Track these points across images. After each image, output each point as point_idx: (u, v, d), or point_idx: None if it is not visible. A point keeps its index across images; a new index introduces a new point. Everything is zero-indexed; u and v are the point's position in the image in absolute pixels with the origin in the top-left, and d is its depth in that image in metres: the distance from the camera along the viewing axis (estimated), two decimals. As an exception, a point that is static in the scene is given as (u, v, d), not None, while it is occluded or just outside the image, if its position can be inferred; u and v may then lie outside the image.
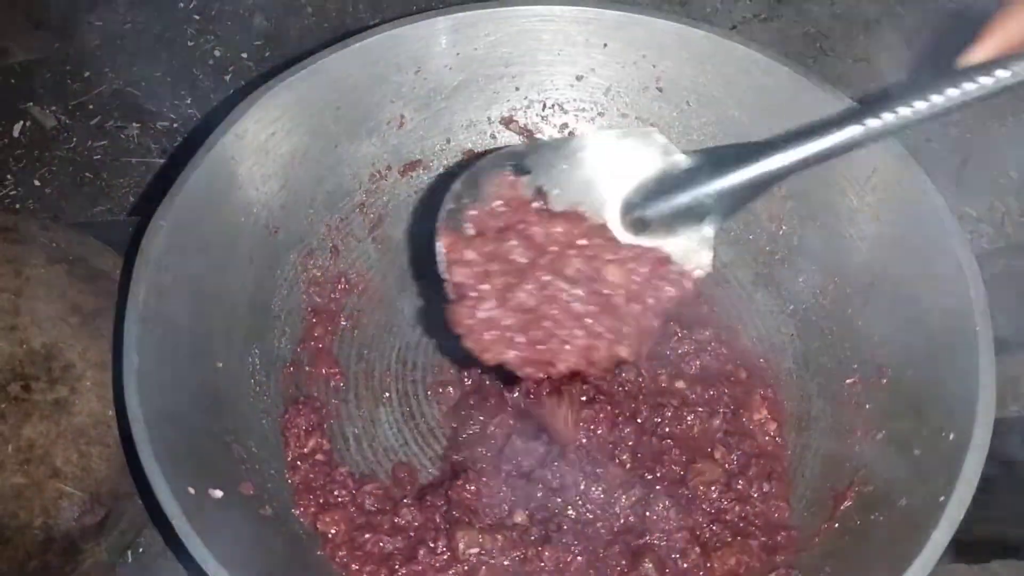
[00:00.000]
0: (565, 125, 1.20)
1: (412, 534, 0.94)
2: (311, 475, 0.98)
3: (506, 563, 0.91)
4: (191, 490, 0.82)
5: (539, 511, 0.94)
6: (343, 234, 1.14)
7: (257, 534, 0.88)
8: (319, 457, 0.99)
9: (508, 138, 1.20)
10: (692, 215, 0.85)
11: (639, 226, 0.86)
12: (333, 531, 0.93)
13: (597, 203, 0.87)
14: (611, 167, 0.88)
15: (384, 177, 1.16)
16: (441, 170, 1.18)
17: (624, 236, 0.86)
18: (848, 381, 1.01)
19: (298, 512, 0.95)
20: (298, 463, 0.99)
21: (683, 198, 0.85)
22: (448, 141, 1.18)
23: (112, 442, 0.96)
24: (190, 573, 0.90)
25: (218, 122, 1.00)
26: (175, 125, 1.63)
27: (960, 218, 1.20)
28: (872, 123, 0.76)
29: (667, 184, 0.86)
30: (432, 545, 0.91)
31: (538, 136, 1.20)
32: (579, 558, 0.91)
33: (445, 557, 0.90)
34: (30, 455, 0.92)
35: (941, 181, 0.99)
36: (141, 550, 0.99)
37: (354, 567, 0.91)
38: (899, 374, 0.96)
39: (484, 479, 0.95)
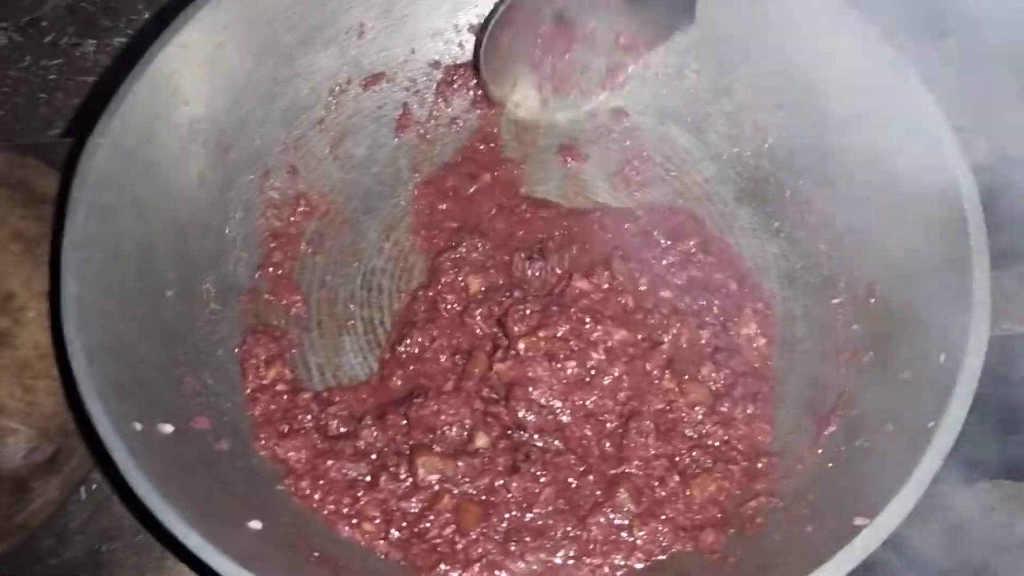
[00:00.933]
0: (538, 33, 1.12)
1: (375, 457, 0.90)
2: (272, 406, 0.93)
3: (471, 492, 0.87)
4: (138, 426, 0.78)
5: (503, 438, 0.90)
6: (301, 153, 1.07)
7: (212, 470, 0.84)
8: (280, 387, 0.95)
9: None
10: None
11: None
12: (294, 458, 0.89)
13: None
14: None
15: (344, 91, 1.08)
16: (405, 83, 1.11)
17: None
18: (834, 301, 0.97)
19: (259, 444, 0.91)
20: (258, 395, 0.94)
21: None
22: (412, 51, 1.11)
23: (59, 375, 0.91)
24: (135, 514, 0.87)
25: (161, 32, 0.93)
26: (133, 42, 1.55)
27: (955, 131, 1.14)
28: None
29: None
30: (393, 471, 0.87)
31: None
32: (548, 489, 0.87)
33: (407, 484, 0.87)
34: (-30, 391, 0.87)
35: (937, 92, 0.93)
36: (95, 487, 0.95)
37: (316, 497, 0.88)
38: (888, 293, 0.91)
39: (444, 397, 0.91)
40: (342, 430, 0.92)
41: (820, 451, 0.88)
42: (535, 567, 0.84)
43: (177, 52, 0.93)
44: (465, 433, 0.90)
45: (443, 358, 0.97)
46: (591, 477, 0.88)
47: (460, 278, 1.01)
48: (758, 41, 1.01)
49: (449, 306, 1.00)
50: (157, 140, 0.92)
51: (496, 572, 0.84)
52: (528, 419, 0.90)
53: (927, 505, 0.84)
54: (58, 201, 0.97)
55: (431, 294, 1.02)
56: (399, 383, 0.97)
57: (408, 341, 0.98)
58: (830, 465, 0.86)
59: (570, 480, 0.88)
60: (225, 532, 0.75)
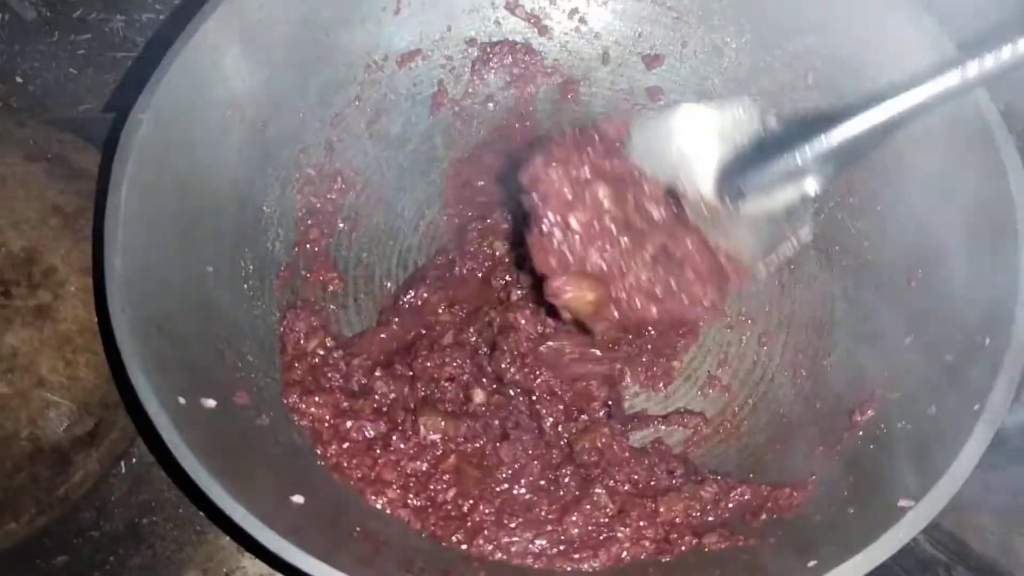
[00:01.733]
0: (575, 10, 1.12)
1: (386, 412, 0.93)
2: (304, 369, 0.95)
3: (469, 453, 0.91)
4: (182, 400, 0.78)
5: (496, 393, 0.94)
6: (338, 129, 1.07)
7: (253, 445, 0.84)
8: (320, 352, 0.96)
9: (513, 24, 1.11)
10: (790, 180, 0.79)
11: (736, 194, 0.82)
12: (317, 415, 0.91)
13: (693, 176, 0.83)
14: (706, 139, 0.83)
15: (380, 68, 1.08)
16: (441, 60, 1.10)
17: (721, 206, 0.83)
18: (875, 283, 0.96)
19: (287, 403, 0.92)
20: (295, 363, 0.95)
21: (780, 163, 0.79)
22: (449, 28, 1.10)
23: (99, 349, 0.92)
24: (181, 486, 0.87)
25: (200, 8, 0.92)
26: (161, 16, 1.54)
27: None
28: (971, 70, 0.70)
29: (763, 150, 0.81)
30: (403, 430, 0.91)
31: (546, 23, 1.11)
32: (535, 463, 0.90)
33: (415, 443, 0.90)
34: (13, 364, 0.88)
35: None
36: (134, 460, 0.95)
37: (343, 464, 0.89)
38: (930, 275, 0.90)
39: (447, 349, 0.95)
40: (363, 382, 0.95)
41: (860, 432, 0.87)
42: (527, 546, 0.86)
43: (216, 28, 0.92)
44: (461, 394, 0.94)
45: (441, 310, 1.00)
46: (569, 469, 0.90)
47: (485, 246, 1.03)
48: (801, 19, 1.00)
49: (467, 270, 1.02)
50: (197, 116, 0.92)
51: (495, 545, 0.86)
52: (510, 371, 0.94)
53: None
54: (100, 177, 0.97)
55: (452, 258, 1.03)
56: (397, 329, 0.99)
57: (412, 293, 1.01)
58: (871, 447, 0.85)
59: (552, 465, 0.91)
60: (269, 506, 0.75)
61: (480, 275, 1.03)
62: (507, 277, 1.02)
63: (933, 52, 0.90)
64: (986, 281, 0.84)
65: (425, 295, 1.01)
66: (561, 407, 0.94)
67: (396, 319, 1.00)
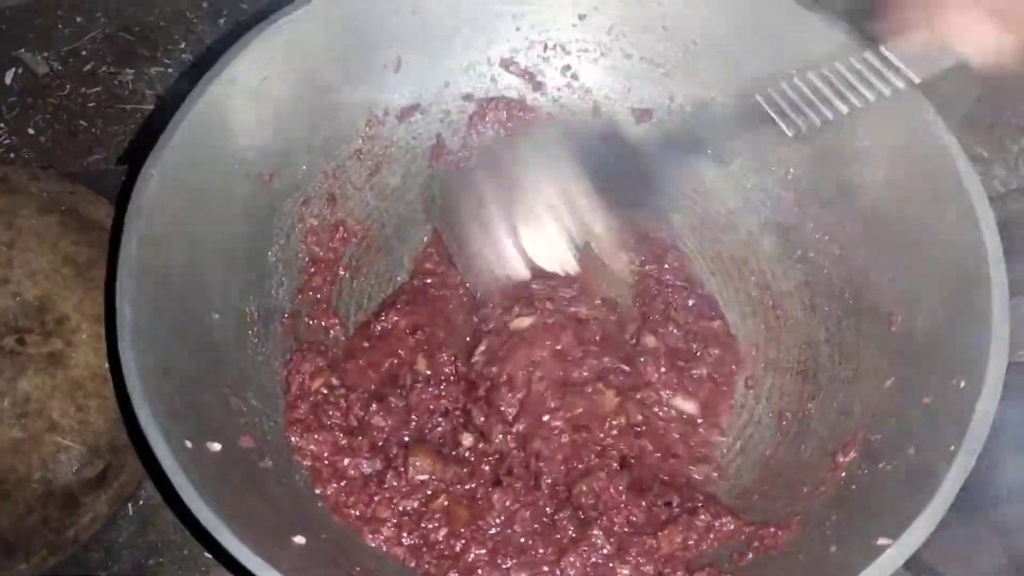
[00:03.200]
0: (568, 67, 1.16)
1: (382, 447, 0.96)
2: (308, 410, 0.98)
3: (459, 495, 0.93)
4: (188, 444, 0.81)
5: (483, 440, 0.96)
6: (340, 182, 1.11)
7: (257, 487, 0.87)
8: (323, 391, 0.99)
9: (508, 81, 1.16)
10: None
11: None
12: (316, 452, 0.94)
13: None
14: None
15: (381, 123, 1.13)
16: (439, 114, 1.15)
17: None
18: (857, 327, 0.99)
19: (288, 437, 0.96)
20: (298, 403, 0.98)
21: None
22: (446, 84, 1.15)
23: (109, 394, 0.95)
24: (188, 527, 0.90)
25: (209, 67, 0.97)
26: (170, 70, 1.59)
27: (972, 159, 1.15)
28: None
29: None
30: (396, 467, 0.93)
31: (539, 79, 1.16)
32: (526, 512, 0.91)
33: (407, 482, 0.93)
34: (26, 409, 0.91)
35: (953, 121, 0.96)
36: (142, 502, 0.98)
37: (341, 500, 0.92)
38: (909, 320, 0.94)
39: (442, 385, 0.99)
40: (361, 415, 0.98)
41: (843, 474, 0.90)
42: None
43: (224, 87, 0.97)
44: (450, 428, 0.97)
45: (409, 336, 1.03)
46: (567, 512, 0.92)
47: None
48: (782, 76, 1.04)
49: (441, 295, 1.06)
50: (205, 170, 0.96)
51: None
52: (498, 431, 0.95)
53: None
54: (113, 229, 1.01)
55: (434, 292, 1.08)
56: (373, 354, 1.03)
57: (384, 316, 1.05)
58: (853, 487, 0.88)
59: (547, 509, 0.92)
60: (272, 547, 0.78)
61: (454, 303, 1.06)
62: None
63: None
64: (961, 325, 0.87)
65: (395, 319, 1.04)
66: (561, 458, 0.95)
67: (367, 343, 1.03)
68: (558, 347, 0.98)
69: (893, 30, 0.83)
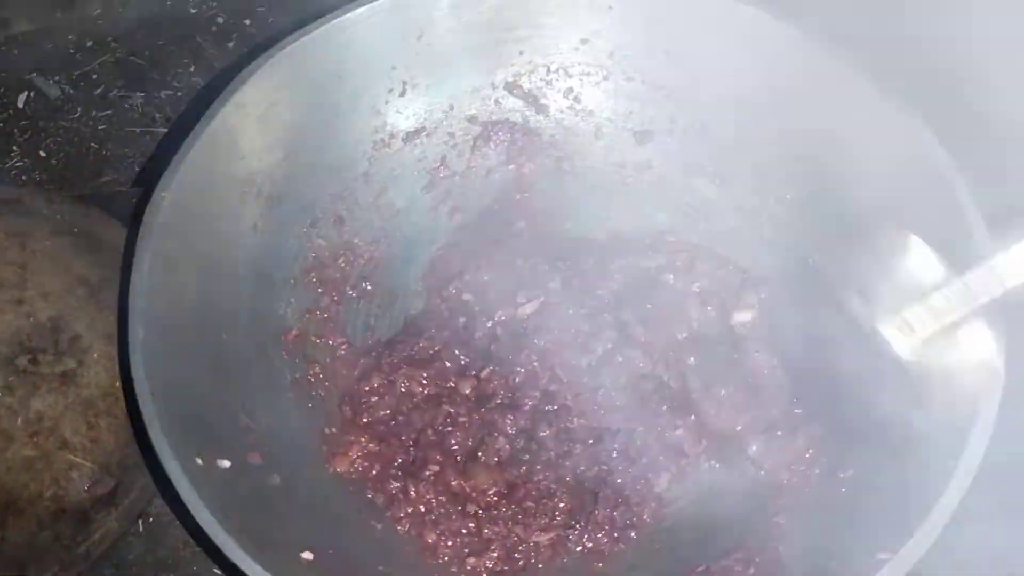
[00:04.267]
0: (570, 90, 1.18)
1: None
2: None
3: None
4: (199, 460, 0.83)
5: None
6: (347, 203, 1.13)
7: (265, 503, 0.89)
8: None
9: (512, 104, 1.18)
10: None
11: None
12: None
13: None
14: None
15: (387, 145, 1.15)
16: (444, 137, 1.17)
17: None
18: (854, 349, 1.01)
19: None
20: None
21: None
22: (452, 108, 1.17)
23: (120, 413, 0.97)
24: (198, 543, 0.91)
25: (219, 91, 0.99)
26: (179, 94, 1.62)
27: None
28: None
29: None
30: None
31: (543, 102, 1.18)
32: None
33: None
34: (39, 427, 0.93)
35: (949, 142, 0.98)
36: (152, 519, 1.00)
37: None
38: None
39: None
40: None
41: (843, 489, 0.91)
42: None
43: (234, 111, 0.99)
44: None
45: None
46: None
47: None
48: (781, 99, 1.07)
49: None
50: (215, 193, 0.99)
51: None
52: None
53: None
54: (125, 251, 1.03)
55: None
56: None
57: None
58: (853, 504, 0.89)
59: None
60: (281, 562, 0.79)
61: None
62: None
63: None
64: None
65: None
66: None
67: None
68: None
69: None
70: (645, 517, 0.97)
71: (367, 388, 1.03)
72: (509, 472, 0.97)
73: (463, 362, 1.05)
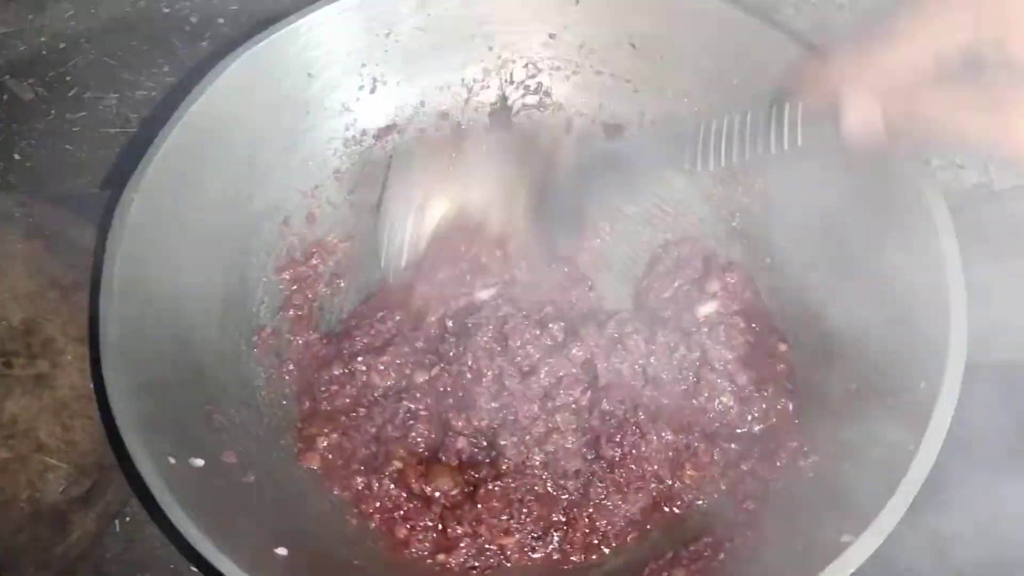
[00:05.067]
0: (540, 84, 1.19)
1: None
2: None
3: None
4: (172, 460, 0.84)
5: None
6: (319, 201, 1.14)
7: (240, 501, 0.89)
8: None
9: (483, 98, 1.19)
10: None
11: None
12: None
13: None
14: None
15: (359, 142, 1.15)
16: (415, 133, 1.18)
17: None
18: (821, 333, 1.02)
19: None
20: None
21: None
22: (422, 104, 1.17)
23: (94, 414, 0.97)
24: (174, 542, 0.92)
25: (188, 91, 1.00)
26: (153, 94, 1.61)
27: (943, 165, 1.18)
28: None
29: None
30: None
31: (512, 96, 1.19)
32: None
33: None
34: (13, 430, 0.93)
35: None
36: (128, 519, 1.00)
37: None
38: (872, 326, 0.97)
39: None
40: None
41: (811, 475, 0.93)
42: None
43: (203, 110, 0.99)
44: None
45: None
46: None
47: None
48: (745, 88, 1.08)
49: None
50: (185, 193, 0.99)
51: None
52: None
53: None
54: (95, 253, 1.04)
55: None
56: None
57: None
58: (819, 489, 0.91)
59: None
60: (255, 558, 0.80)
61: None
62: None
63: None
64: (921, 328, 0.90)
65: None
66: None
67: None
68: None
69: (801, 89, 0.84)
70: (617, 527, 0.97)
71: (327, 377, 1.03)
72: (470, 474, 0.97)
73: (419, 346, 1.05)
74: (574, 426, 0.97)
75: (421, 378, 1.02)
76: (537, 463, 0.96)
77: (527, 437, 0.97)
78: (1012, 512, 1.04)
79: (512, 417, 0.97)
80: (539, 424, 0.97)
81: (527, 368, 0.99)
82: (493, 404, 0.98)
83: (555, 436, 0.97)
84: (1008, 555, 1.10)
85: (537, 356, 0.99)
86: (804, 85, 0.82)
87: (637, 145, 1.12)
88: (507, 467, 0.96)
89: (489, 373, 0.99)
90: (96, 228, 1.10)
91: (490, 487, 0.94)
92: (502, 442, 0.96)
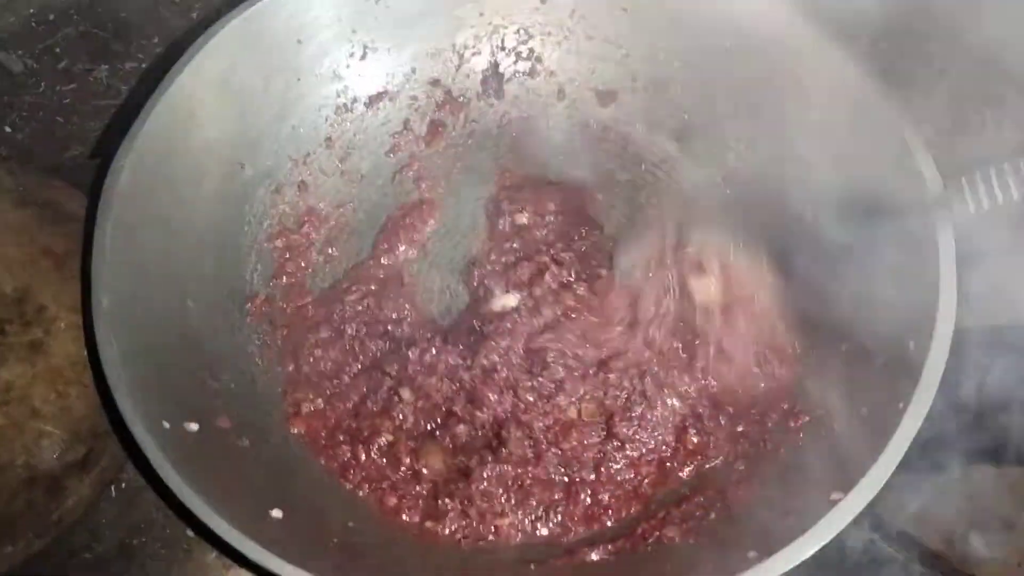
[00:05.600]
0: (531, 51, 1.19)
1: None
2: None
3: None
4: (166, 424, 0.84)
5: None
6: (311, 169, 1.13)
7: (234, 465, 0.90)
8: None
9: (474, 65, 1.19)
10: None
11: None
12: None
13: None
14: None
15: (350, 110, 1.15)
16: (407, 100, 1.17)
17: None
18: (815, 301, 1.02)
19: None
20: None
21: None
22: (413, 71, 1.17)
23: (89, 382, 0.97)
24: (169, 505, 0.92)
25: (176, 60, 0.99)
26: (143, 65, 1.60)
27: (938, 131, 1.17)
28: None
29: None
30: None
31: (503, 62, 1.19)
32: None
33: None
34: (8, 396, 0.93)
35: (914, 98, 0.99)
36: (123, 485, 1.01)
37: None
38: (863, 288, 0.97)
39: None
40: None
41: (801, 435, 0.93)
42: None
43: (193, 77, 0.99)
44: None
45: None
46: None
47: None
48: (737, 54, 1.07)
49: None
50: (176, 160, 0.99)
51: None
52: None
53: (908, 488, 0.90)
54: (86, 221, 1.04)
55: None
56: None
57: None
58: (809, 448, 0.91)
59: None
60: (250, 520, 0.80)
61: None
62: None
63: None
64: (911, 290, 0.90)
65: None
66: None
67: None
68: None
69: None
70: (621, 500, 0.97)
71: (313, 340, 1.04)
72: (461, 460, 0.97)
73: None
74: (597, 418, 0.98)
75: (426, 356, 1.01)
76: (550, 456, 0.97)
77: (538, 430, 0.97)
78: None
79: (523, 415, 0.98)
80: (549, 418, 0.98)
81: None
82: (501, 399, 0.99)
83: (574, 432, 0.97)
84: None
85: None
86: None
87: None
88: (506, 455, 0.96)
89: (504, 371, 0.99)
90: (87, 197, 1.10)
91: (486, 474, 0.94)
92: (507, 434, 0.96)
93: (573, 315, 1.01)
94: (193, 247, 1.00)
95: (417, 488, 0.96)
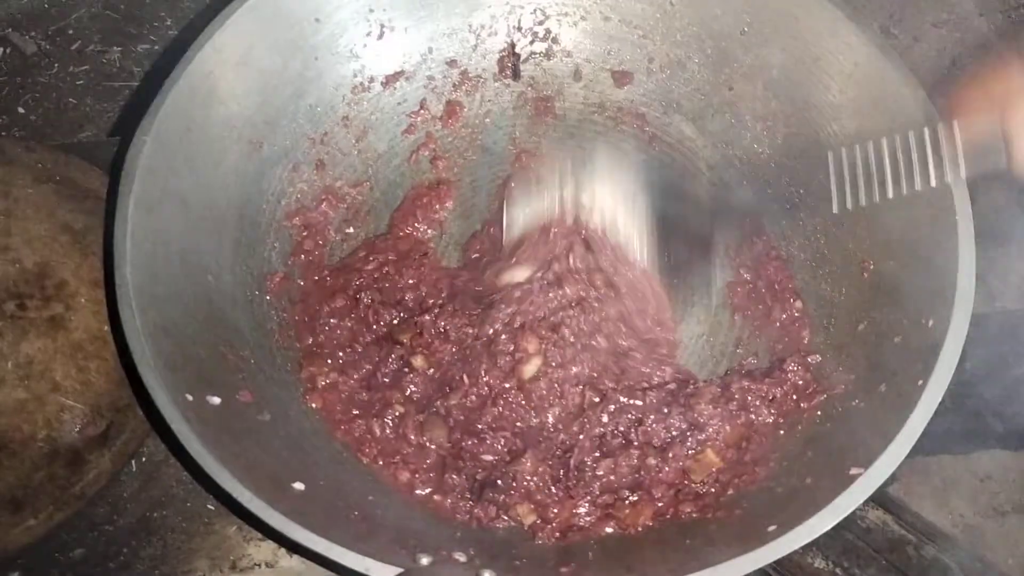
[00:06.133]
0: (548, 31, 1.19)
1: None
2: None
3: None
4: (189, 397, 0.85)
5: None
6: (328, 148, 1.14)
7: (256, 438, 0.90)
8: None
9: (491, 45, 1.19)
10: None
11: None
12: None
13: None
14: None
15: (367, 89, 1.15)
16: (424, 80, 1.18)
17: None
18: (831, 276, 1.03)
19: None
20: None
21: None
22: (430, 51, 1.17)
23: (109, 356, 0.98)
24: (194, 476, 0.93)
25: (196, 36, 0.99)
26: (156, 47, 1.62)
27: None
28: None
29: None
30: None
31: (520, 42, 1.19)
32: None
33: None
34: (29, 371, 0.94)
35: (927, 79, 0.99)
36: (144, 459, 1.01)
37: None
38: (880, 268, 0.98)
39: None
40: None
41: (819, 413, 0.94)
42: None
43: (212, 54, 0.99)
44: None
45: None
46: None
47: None
48: (754, 34, 1.08)
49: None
50: (196, 137, 0.99)
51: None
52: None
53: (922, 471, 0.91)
54: (108, 196, 1.04)
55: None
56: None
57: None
58: (828, 425, 0.92)
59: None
60: (272, 491, 0.81)
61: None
62: None
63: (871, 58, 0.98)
64: (929, 269, 0.91)
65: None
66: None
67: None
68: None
69: (961, 110, 0.81)
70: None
71: (327, 310, 1.04)
72: (458, 432, 0.97)
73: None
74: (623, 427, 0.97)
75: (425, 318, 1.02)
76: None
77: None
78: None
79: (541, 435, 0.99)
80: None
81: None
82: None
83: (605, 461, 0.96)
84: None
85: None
86: (962, 107, 0.78)
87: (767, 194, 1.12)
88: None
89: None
90: (105, 174, 1.10)
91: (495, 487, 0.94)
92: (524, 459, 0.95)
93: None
94: (213, 223, 1.00)
95: (428, 462, 0.97)
